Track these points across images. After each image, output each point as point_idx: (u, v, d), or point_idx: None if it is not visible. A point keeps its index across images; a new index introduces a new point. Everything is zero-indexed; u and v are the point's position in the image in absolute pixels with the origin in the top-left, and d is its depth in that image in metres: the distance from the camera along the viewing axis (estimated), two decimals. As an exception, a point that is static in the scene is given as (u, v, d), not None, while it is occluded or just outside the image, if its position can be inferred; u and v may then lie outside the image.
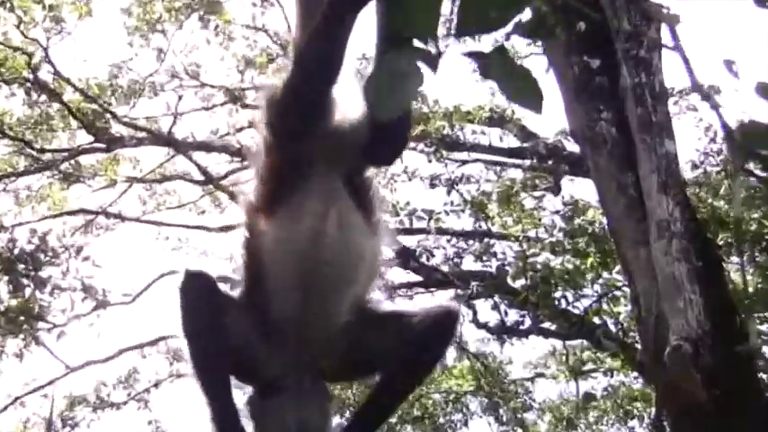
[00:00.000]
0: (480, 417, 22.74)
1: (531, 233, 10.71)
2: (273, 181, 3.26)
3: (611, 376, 12.33)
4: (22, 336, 12.54)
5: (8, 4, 12.55)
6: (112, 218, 15.90)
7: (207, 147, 14.62)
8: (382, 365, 3.28)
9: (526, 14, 2.27)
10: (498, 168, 13.40)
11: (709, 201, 10.00)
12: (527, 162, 11.91)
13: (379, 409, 3.33)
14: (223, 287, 3.23)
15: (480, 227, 11.61)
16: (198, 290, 3.06)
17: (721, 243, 8.47)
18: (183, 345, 3.06)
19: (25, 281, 11.85)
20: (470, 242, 11.70)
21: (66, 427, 16.85)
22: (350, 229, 3.15)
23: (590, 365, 13.99)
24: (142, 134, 14.37)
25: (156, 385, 17.27)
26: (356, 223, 3.19)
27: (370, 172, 3.40)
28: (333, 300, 3.12)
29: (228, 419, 2.98)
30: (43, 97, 13.84)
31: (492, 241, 11.36)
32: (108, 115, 14.01)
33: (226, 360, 3.04)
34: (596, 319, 10.42)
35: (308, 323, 3.11)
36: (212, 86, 15.04)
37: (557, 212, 11.14)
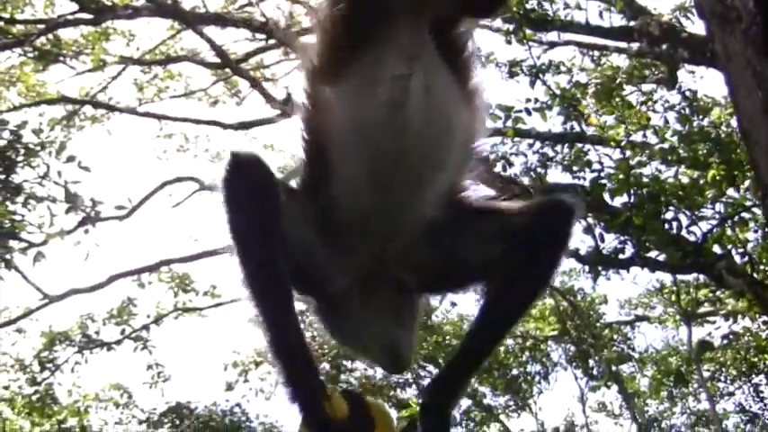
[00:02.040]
0: (564, 368, 23.14)
1: (637, 137, 10.69)
2: (341, 33, 3.17)
3: (734, 321, 12.42)
4: None
5: None
6: (102, 108, 16.14)
7: (222, 20, 14.48)
8: (477, 275, 3.30)
9: None
10: (597, 54, 13.34)
11: None
12: (634, 46, 11.83)
13: (484, 337, 3.30)
14: (277, 175, 3.16)
15: (572, 128, 11.61)
16: (250, 177, 2.99)
17: None
18: (231, 250, 3.11)
19: None
20: (558, 148, 11.74)
21: (44, 371, 17.55)
22: (439, 97, 3.10)
23: (707, 307, 14.14)
24: (140, 2, 14.43)
25: (156, 321, 18.04)
26: (447, 89, 3.14)
27: (466, 25, 3.30)
28: (416, 188, 3.10)
29: (289, 334, 2.95)
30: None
31: (586, 147, 11.38)
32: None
33: (286, 267, 2.99)
34: (717, 249, 10.41)
35: (385, 219, 3.13)
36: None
37: (671, 110, 11.10)
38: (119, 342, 17.04)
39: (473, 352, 3.26)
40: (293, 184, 3.29)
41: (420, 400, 3.28)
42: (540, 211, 3.19)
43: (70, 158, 12.26)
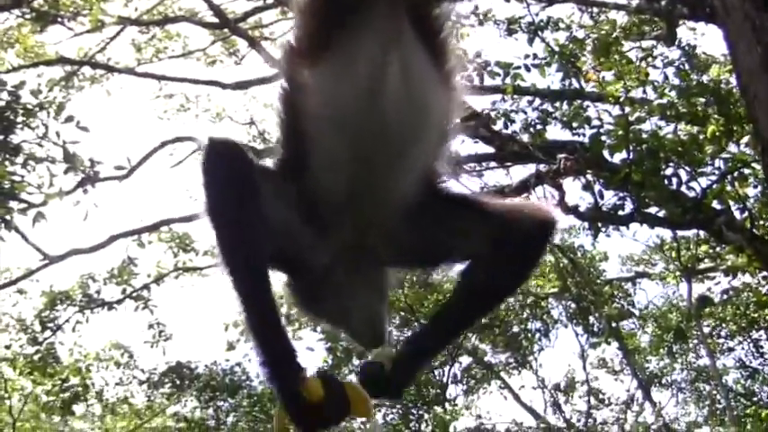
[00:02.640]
0: (565, 326, 23.27)
1: (636, 93, 10.71)
2: (319, 16, 3.22)
3: (733, 277, 12.50)
4: None
5: None
6: (100, 69, 16.20)
7: (220, -21, 14.54)
8: (452, 258, 3.41)
9: None
10: (595, 10, 13.34)
11: None
12: (633, 2, 11.83)
13: (457, 320, 3.44)
14: (254, 157, 3.22)
15: (571, 85, 11.64)
16: (226, 161, 3.07)
17: None
18: (209, 230, 3.13)
19: None
20: (557, 104, 11.78)
21: (45, 330, 17.69)
22: (416, 79, 3.15)
23: (707, 263, 14.24)
24: (137, -38, 14.44)
25: (157, 281, 18.18)
26: (424, 72, 3.20)
27: (443, 7, 3.36)
28: (393, 167, 3.17)
29: (266, 316, 3.01)
30: None
31: (585, 103, 11.42)
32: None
33: (263, 246, 3.06)
34: (717, 204, 10.46)
35: (364, 197, 3.19)
36: None
37: (670, 66, 11.12)
38: (119, 302, 17.14)
39: (444, 331, 3.44)
40: (271, 164, 3.36)
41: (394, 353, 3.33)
42: (524, 216, 3.28)
43: (69, 119, 12.25)
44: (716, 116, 9.76)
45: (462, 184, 3.62)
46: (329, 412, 2.98)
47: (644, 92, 10.82)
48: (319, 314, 3.44)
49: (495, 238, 3.24)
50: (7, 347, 18.27)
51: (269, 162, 3.41)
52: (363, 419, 3.30)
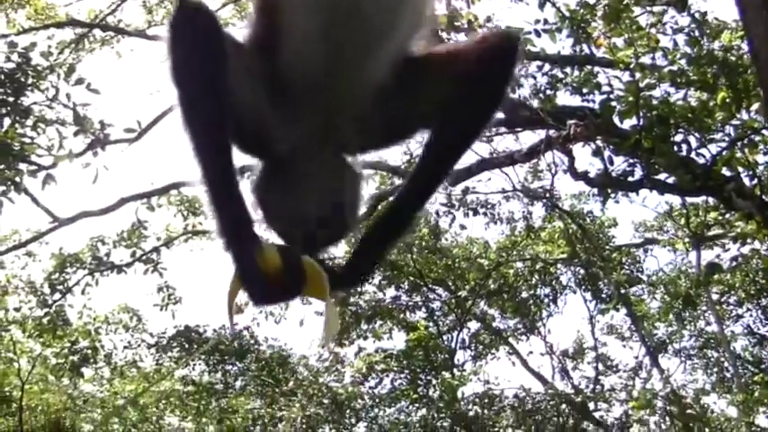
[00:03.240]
0: (574, 291, 23.33)
1: (646, 59, 10.72)
2: None
3: (743, 244, 12.54)
4: None
5: None
6: (111, 31, 16.25)
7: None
8: (420, 124, 3.31)
9: None
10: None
11: None
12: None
13: (425, 177, 3.30)
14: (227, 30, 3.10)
15: (581, 50, 11.67)
16: (195, 25, 2.98)
17: None
18: (174, 100, 3.07)
19: (3, 110, 12.03)
20: (567, 70, 11.80)
21: (55, 293, 17.83)
22: None
23: (716, 230, 14.30)
24: None
25: (166, 244, 18.26)
26: None
27: None
28: (367, 47, 3.11)
29: (224, 182, 2.96)
30: None
31: (595, 69, 11.45)
32: None
33: (226, 113, 2.99)
34: (726, 171, 10.50)
35: (334, 78, 3.12)
36: None
37: (680, 32, 11.12)
38: (129, 265, 17.25)
39: (414, 192, 3.31)
40: (243, 39, 3.28)
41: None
42: (483, 48, 3.19)
43: (79, 81, 12.30)
44: (726, 83, 9.74)
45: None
46: (284, 284, 2.93)
47: (654, 58, 10.83)
48: (280, 204, 3.25)
49: (462, 74, 3.15)
50: (17, 310, 18.43)
51: (240, 37, 3.31)
52: (319, 301, 3.21)
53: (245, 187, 3.15)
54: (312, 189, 3.16)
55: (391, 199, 3.41)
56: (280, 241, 3.17)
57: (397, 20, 3.12)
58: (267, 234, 3.16)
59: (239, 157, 3.13)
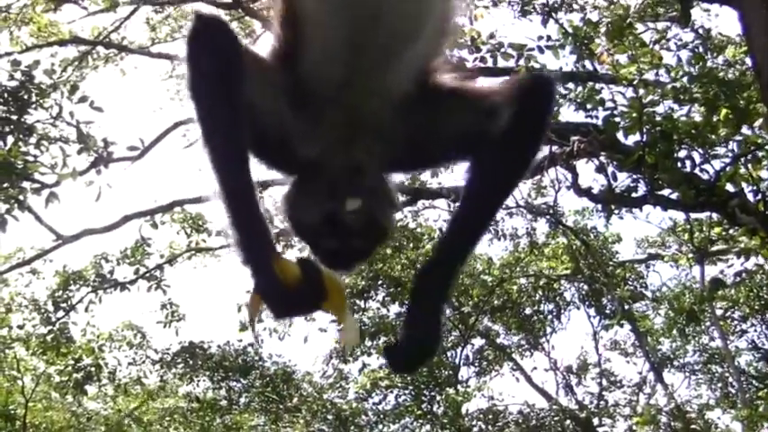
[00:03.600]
0: (577, 307, 23.31)
1: (650, 75, 10.72)
2: None
3: (746, 259, 12.51)
4: (2, 198, 12.58)
5: None
6: (114, 49, 16.28)
7: (234, -42, 14.54)
8: (451, 152, 3.30)
9: None
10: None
11: None
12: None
13: (471, 222, 3.24)
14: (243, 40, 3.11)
15: (584, 67, 11.66)
16: (212, 39, 2.96)
17: None
18: (192, 108, 3.07)
19: (6, 128, 12.05)
20: (571, 86, 11.80)
21: (59, 310, 17.83)
22: None
23: (720, 245, 14.27)
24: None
25: (170, 261, 18.24)
26: None
27: None
28: (390, 56, 3.08)
29: (242, 194, 2.91)
30: None
31: (599, 85, 11.44)
32: None
33: (244, 126, 2.97)
34: (730, 187, 10.49)
35: (359, 87, 3.09)
36: None
37: (684, 48, 11.13)
38: (132, 282, 17.24)
39: (463, 237, 3.23)
40: (263, 52, 3.26)
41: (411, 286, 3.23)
42: (520, 87, 3.16)
43: (82, 99, 12.26)
44: (725, 104, 9.73)
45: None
46: (304, 297, 2.90)
47: (657, 74, 10.84)
48: (298, 215, 3.22)
49: (492, 112, 3.10)
50: (20, 327, 18.45)
51: (260, 48, 3.30)
52: (336, 318, 3.18)
53: (265, 201, 3.12)
54: (337, 201, 3.08)
55: (434, 254, 3.35)
56: (306, 253, 3.14)
57: (421, 28, 3.09)
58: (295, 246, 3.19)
59: (260, 171, 3.13)
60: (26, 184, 12.62)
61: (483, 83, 3.37)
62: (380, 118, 3.15)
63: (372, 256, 3.23)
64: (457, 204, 3.34)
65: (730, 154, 10.43)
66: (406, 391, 20.41)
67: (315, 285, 2.90)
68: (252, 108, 2.99)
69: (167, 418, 22.49)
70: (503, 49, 11.19)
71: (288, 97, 3.13)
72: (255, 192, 2.94)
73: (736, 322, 21.18)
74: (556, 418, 19.09)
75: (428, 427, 20.01)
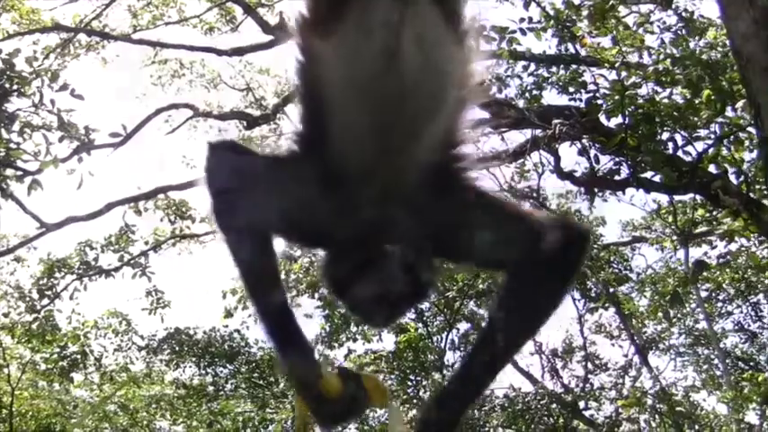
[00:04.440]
0: (563, 292, 23.19)
1: (632, 58, 10.71)
2: None
3: (730, 241, 12.53)
4: None
5: None
6: (96, 36, 16.19)
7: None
8: (475, 257, 3.37)
9: None
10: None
11: None
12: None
13: (486, 361, 3.24)
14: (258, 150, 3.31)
15: (567, 50, 11.63)
16: (227, 158, 3.14)
17: None
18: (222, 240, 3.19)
19: None
20: (553, 69, 11.78)
21: (43, 298, 17.75)
22: (431, 43, 3.09)
23: (704, 227, 14.28)
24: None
25: (155, 248, 18.19)
26: (439, 35, 3.14)
27: None
28: (413, 132, 3.12)
29: (285, 324, 3.08)
30: None
31: (581, 68, 11.42)
32: None
33: (273, 257, 3.14)
34: (713, 168, 10.51)
35: (385, 164, 3.14)
36: None
37: (667, 31, 11.11)
38: (117, 269, 17.18)
39: (475, 377, 3.26)
40: (284, 150, 3.34)
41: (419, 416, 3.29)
42: (555, 230, 3.20)
43: (63, 87, 12.22)
44: (708, 85, 9.72)
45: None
46: (348, 405, 3.06)
47: (640, 57, 10.82)
48: (342, 290, 3.31)
49: (525, 247, 3.18)
50: (5, 315, 18.37)
51: (281, 149, 3.41)
52: (381, 407, 3.34)
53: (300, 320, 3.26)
54: (377, 272, 3.14)
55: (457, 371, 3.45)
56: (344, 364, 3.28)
57: (439, 101, 3.15)
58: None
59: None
60: (9, 172, 12.64)
61: (523, 207, 3.44)
62: (407, 193, 3.20)
63: (409, 310, 3.31)
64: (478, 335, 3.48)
65: (713, 136, 10.44)
66: (392, 377, 20.40)
67: (357, 392, 3.09)
68: (283, 202, 3.13)
69: (154, 405, 22.46)
70: (485, 32, 11.14)
71: (319, 184, 3.18)
72: (292, 312, 3.13)
73: (721, 304, 21.23)
74: (542, 402, 19.07)
75: (414, 411, 19.99)
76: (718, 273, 18.31)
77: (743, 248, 13.24)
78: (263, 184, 3.11)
